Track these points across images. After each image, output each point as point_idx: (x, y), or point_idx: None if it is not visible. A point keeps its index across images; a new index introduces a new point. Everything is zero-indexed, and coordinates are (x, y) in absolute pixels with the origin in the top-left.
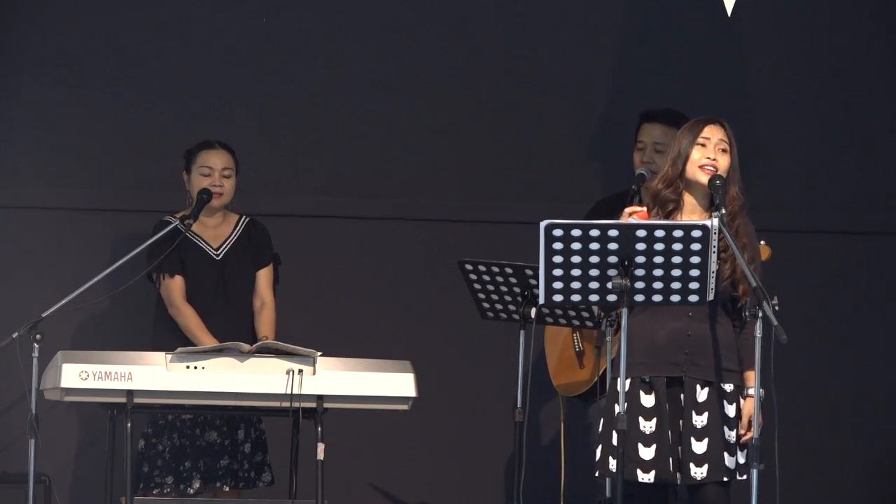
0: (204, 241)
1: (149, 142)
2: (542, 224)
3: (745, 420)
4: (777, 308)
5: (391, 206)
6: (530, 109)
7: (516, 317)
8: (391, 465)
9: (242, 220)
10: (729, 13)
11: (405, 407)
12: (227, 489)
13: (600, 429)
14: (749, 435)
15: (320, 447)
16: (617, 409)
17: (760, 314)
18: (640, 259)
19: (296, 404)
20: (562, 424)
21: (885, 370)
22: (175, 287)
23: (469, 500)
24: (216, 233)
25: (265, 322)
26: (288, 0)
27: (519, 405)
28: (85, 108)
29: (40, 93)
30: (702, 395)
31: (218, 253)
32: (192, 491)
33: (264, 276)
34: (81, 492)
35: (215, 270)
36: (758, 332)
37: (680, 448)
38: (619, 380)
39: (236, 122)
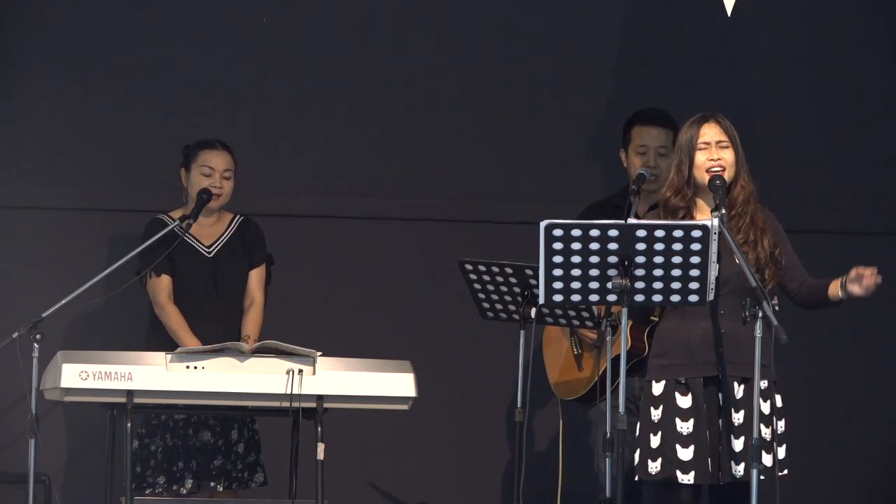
0: (196, 239)
1: (147, 141)
2: (542, 224)
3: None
4: (777, 308)
5: (391, 206)
6: (530, 110)
7: (516, 317)
8: (391, 465)
9: (236, 219)
10: (729, 13)
11: (405, 407)
12: (221, 489)
13: (637, 433)
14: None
15: (320, 447)
16: (653, 411)
17: (760, 314)
18: (640, 259)
19: (296, 404)
20: (560, 425)
21: (885, 370)
22: (161, 286)
23: (469, 500)
24: (210, 231)
25: (250, 321)
26: (288, 0)
27: (519, 405)
28: (83, 108)
29: (38, 92)
30: (739, 391)
31: (210, 251)
32: (184, 491)
33: (256, 276)
34: (81, 492)
35: (206, 269)
36: (757, 332)
37: (720, 446)
38: (621, 378)
39: (235, 121)
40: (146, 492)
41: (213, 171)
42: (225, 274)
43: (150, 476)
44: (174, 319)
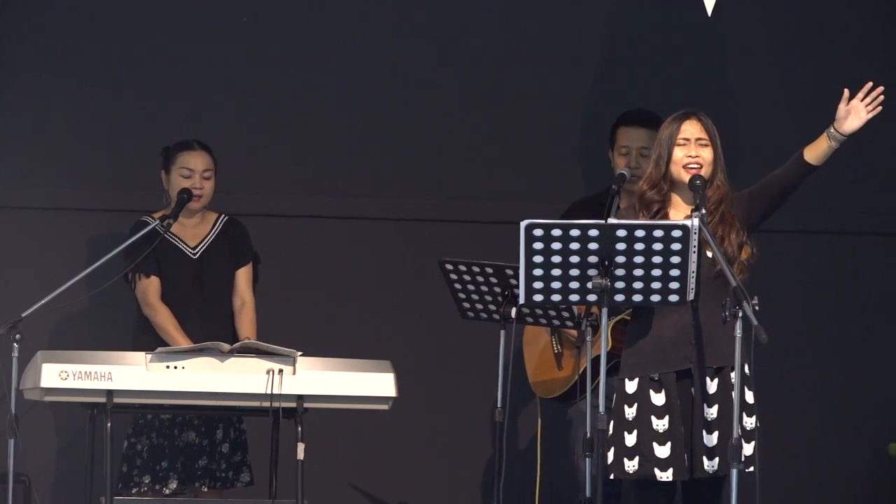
0: (181, 240)
1: (131, 142)
2: (523, 224)
3: None
4: (757, 308)
5: (373, 205)
6: (513, 110)
7: (496, 317)
8: (371, 464)
9: (221, 219)
10: (709, 13)
11: (385, 407)
12: (206, 489)
13: (611, 431)
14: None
15: (300, 447)
16: (627, 409)
17: (740, 314)
18: (621, 259)
19: (276, 404)
20: (539, 424)
21: (865, 369)
22: (150, 287)
23: (449, 499)
24: (194, 232)
25: (246, 322)
26: (270, 0)
27: (499, 405)
28: (68, 109)
29: (25, 93)
30: (712, 386)
31: (195, 252)
32: (167, 491)
33: (243, 276)
34: (61, 492)
35: (192, 270)
36: (738, 332)
37: (692, 442)
38: (600, 378)
39: (219, 121)
40: (132, 491)
41: (192, 172)
42: (211, 274)
43: (136, 475)
44: (166, 320)
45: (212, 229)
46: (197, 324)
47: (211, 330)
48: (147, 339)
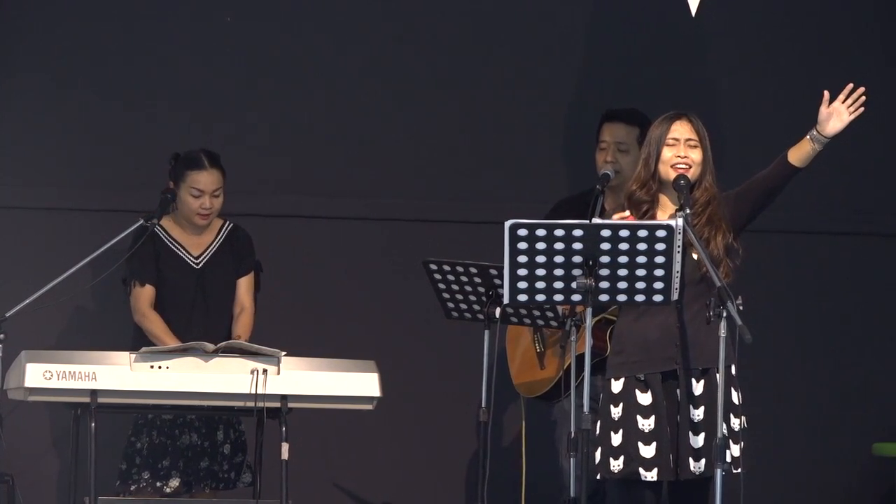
0: (184, 248)
1: (125, 141)
2: (507, 224)
3: None
4: (741, 308)
5: (357, 205)
6: (497, 109)
7: (481, 317)
8: (356, 464)
9: (225, 226)
10: (693, 13)
11: (369, 407)
12: (208, 490)
13: (598, 431)
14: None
15: (284, 447)
16: (613, 409)
17: (725, 314)
18: (605, 259)
19: (260, 404)
20: (522, 424)
21: (861, 371)
22: (143, 296)
23: (433, 499)
24: (198, 240)
25: (241, 325)
26: (259, 1)
27: (483, 405)
28: (61, 108)
29: (20, 93)
30: (698, 387)
31: (198, 262)
32: (168, 489)
33: (245, 284)
34: (46, 491)
35: (194, 279)
36: (722, 332)
37: (678, 442)
38: (586, 377)
39: (207, 121)
40: (131, 488)
41: (202, 193)
42: (213, 284)
43: (136, 473)
44: (156, 325)
45: (216, 238)
46: (199, 332)
47: (212, 339)
48: (146, 344)
